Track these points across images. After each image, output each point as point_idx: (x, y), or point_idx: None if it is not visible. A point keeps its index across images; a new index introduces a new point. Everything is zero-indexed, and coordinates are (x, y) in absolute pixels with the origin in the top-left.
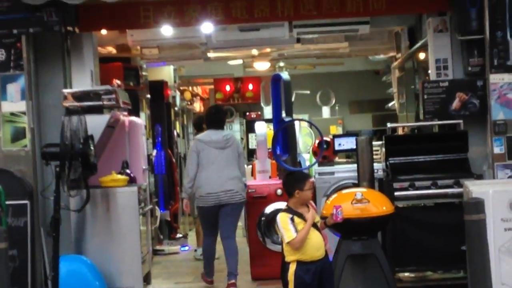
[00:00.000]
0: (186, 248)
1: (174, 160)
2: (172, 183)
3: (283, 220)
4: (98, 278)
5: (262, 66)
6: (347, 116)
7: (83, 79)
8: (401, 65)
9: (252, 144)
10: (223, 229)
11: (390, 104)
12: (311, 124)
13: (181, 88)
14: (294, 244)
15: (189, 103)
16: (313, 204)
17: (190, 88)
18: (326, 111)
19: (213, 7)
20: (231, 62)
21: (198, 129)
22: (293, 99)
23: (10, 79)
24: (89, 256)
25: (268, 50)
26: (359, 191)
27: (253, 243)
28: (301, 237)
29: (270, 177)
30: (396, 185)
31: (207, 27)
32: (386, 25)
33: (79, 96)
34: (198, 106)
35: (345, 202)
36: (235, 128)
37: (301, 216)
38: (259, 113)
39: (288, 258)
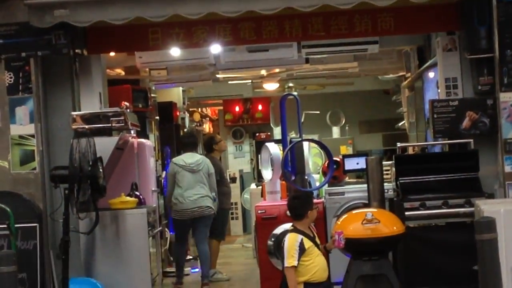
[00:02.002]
0: (197, 270)
1: None
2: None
3: (291, 242)
4: None
5: (271, 87)
6: (357, 136)
7: (92, 102)
8: (410, 85)
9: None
10: (198, 236)
11: (400, 124)
12: (320, 144)
13: (190, 109)
14: (289, 272)
15: (198, 124)
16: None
17: (200, 109)
18: (336, 131)
19: (221, 28)
20: (240, 83)
21: (208, 150)
22: (302, 119)
23: (18, 102)
24: (99, 279)
25: (277, 70)
26: (370, 211)
27: (263, 264)
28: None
29: (280, 198)
30: (407, 204)
31: (215, 48)
32: (395, 45)
33: (88, 118)
34: (207, 127)
35: (356, 222)
36: (244, 149)
37: (309, 237)
38: (269, 133)
39: (297, 279)
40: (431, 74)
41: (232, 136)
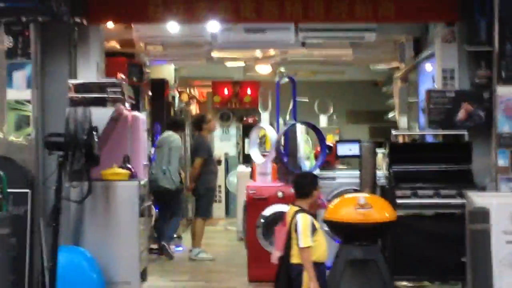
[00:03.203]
0: (180, 248)
1: None
2: None
3: (305, 222)
4: (96, 271)
5: (263, 70)
6: (344, 126)
7: (89, 71)
8: (404, 76)
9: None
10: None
11: (390, 115)
12: (314, 128)
13: (179, 89)
14: (305, 253)
15: (185, 105)
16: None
17: (188, 90)
18: (323, 120)
19: (223, 5)
20: (232, 64)
21: (198, 128)
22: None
23: (16, 67)
24: (87, 249)
25: (272, 53)
26: (363, 196)
27: (251, 244)
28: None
29: (271, 180)
30: (398, 192)
31: (213, 26)
32: (392, 34)
33: (85, 88)
34: (194, 109)
35: (348, 207)
36: (231, 132)
37: (316, 218)
38: (256, 118)
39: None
40: (427, 66)
41: (219, 118)
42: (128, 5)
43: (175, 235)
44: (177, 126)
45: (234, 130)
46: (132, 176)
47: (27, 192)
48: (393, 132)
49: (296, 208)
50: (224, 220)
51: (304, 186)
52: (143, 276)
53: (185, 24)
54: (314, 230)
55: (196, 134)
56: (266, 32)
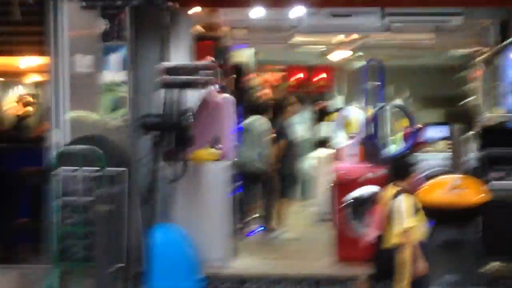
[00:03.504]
0: (261, 228)
1: None
2: None
3: (408, 204)
4: (191, 248)
5: (340, 55)
6: (420, 110)
7: (180, 54)
8: (488, 60)
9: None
10: None
11: (467, 100)
12: (404, 110)
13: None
14: (410, 233)
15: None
16: None
17: (262, 74)
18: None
19: None
20: (310, 49)
21: (280, 112)
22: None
23: (112, 49)
24: (180, 227)
25: (353, 37)
26: (457, 178)
27: (340, 225)
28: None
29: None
30: (491, 175)
31: (298, 11)
32: (478, 18)
33: (177, 71)
34: (268, 93)
35: (442, 188)
36: (305, 116)
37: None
38: (326, 103)
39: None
40: None
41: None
42: None
43: (256, 215)
44: (264, 110)
45: (307, 114)
46: (223, 156)
47: (124, 171)
48: (487, 114)
49: (397, 189)
50: (300, 202)
51: (404, 168)
52: (234, 253)
53: (272, 9)
54: (417, 210)
55: (279, 117)
56: (351, 17)
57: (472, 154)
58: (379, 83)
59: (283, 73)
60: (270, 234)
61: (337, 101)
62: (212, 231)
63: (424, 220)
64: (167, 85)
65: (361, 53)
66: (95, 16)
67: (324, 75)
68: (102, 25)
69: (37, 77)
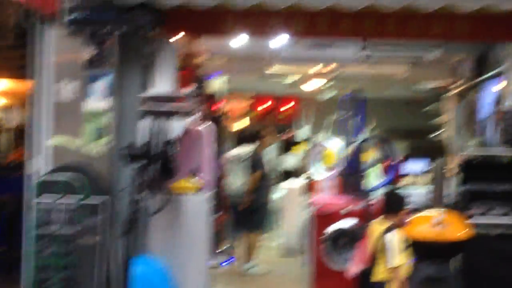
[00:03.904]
0: (232, 260)
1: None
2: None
3: (398, 240)
4: (170, 280)
5: (315, 85)
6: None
7: (164, 82)
8: (461, 94)
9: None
10: None
11: (435, 133)
12: (385, 144)
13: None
14: (398, 270)
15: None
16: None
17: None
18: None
19: (298, 20)
20: (283, 79)
21: (255, 142)
22: (333, 121)
23: (97, 76)
24: (157, 258)
25: (328, 68)
26: (439, 214)
27: (317, 259)
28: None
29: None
30: (471, 211)
31: (280, 40)
32: (455, 52)
33: (158, 100)
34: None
35: (424, 224)
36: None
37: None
38: (293, 134)
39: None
40: (493, 84)
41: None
42: (201, 18)
43: (225, 247)
44: (248, 139)
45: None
46: (203, 187)
47: (106, 200)
48: (467, 151)
49: (386, 225)
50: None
51: (397, 202)
52: (210, 285)
53: (255, 37)
54: (407, 247)
55: (253, 148)
56: (331, 47)
57: (453, 188)
58: (357, 115)
59: (251, 102)
60: (243, 265)
61: (304, 131)
62: (189, 263)
63: (410, 255)
64: (151, 114)
65: (331, 83)
66: (81, 42)
67: (291, 104)
68: (88, 51)
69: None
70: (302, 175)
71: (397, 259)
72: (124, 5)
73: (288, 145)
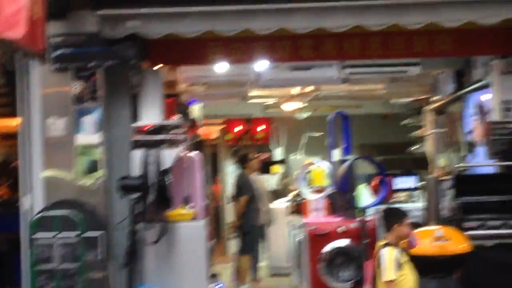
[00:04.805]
0: (221, 285)
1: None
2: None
3: (390, 255)
4: None
5: (293, 106)
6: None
7: (152, 113)
8: (441, 108)
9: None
10: None
11: (414, 148)
12: (373, 162)
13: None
14: (390, 287)
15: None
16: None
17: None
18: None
19: (281, 45)
20: (259, 101)
21: (242, 166)
22: (306, 140)
23: (85, 111)
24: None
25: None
26: (439, 229)
27: (313, 280)
28: None
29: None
30: (466, 224)
31: (261, 65)
32: (434, 68)
33: (152, 130)
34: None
35: (424, 239)
36: None
37: (403, 252)
38: (270, 154)
39: None
40: (475, 97)
41: (232, 155)
42: (186, 47)
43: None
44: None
45: None
46: (196, 215)
47: (103, 234)
48: (458, 164)
49: (383, 243)
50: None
51: (386, 220)
52: None
53: (238, 64)
54: (399, 265)
55: (240, 172)
56: (311, 69)
57: (446, 203)
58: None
59: (222, 126)
60: None
61: (279, 151)
62: None
63: (411, 275)
64: (139, 145)
65: (306, 104)
66: (68, 78)
67: (263, 126)
68: (76, 86)
69: None
70: (288, 196)
71: (388, 274)
72: (110, 38)
73: (266, 166)
